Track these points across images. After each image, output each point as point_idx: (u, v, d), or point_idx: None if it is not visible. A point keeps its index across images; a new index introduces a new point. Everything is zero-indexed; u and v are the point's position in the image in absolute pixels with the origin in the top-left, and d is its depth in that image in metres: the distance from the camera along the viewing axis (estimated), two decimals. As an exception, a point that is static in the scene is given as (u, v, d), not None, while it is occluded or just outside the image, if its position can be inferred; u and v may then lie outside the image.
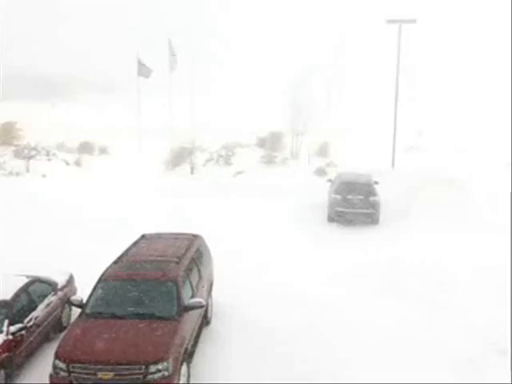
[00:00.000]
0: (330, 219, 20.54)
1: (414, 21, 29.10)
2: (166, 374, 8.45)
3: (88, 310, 9.68)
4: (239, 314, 12.21)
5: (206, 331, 11.37)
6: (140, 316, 9.42)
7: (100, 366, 8.38)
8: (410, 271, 15.02)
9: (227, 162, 31.41)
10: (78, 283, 12.43)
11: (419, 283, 14.19)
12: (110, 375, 8.36)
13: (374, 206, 20.12)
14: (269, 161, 31.21)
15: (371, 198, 20.12)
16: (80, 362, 8.46)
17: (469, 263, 15.58)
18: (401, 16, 29.77)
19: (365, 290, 13.74)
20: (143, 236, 12.35)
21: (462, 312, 12.47)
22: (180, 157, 31.06)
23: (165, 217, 19.00)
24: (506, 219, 20.16)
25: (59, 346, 8.85)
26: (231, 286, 13.41)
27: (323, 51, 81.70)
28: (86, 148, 35.66)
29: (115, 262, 10.70)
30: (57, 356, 8.65)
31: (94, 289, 10.04)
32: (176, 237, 12.37)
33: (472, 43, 79.34)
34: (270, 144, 33.95)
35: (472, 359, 10.41)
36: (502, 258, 15.88)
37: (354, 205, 20.03)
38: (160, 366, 8.44)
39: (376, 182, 21.30)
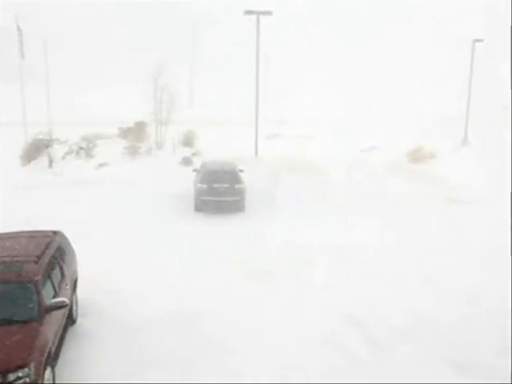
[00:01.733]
0: (197, 208, 20.63)
1: (270, 13, 30.14)
2: (28, 380, 7.92)
3: None
4: (106, 312, 11.86)
5: (71, 331, 10.90)
6: (-5, 322, 8.75)
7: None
8: (275, 254, 15.64)
9: (89, 155, 30.10)
10: None
11: (284, 265, 14.85)
12: (-37, 389, 7.67)
13: (240, 193, 20.56)
14: (133, 152, 30.50)
15: (236, 186, 20.53)
16: None
17: (328, 244, 16.62)
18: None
19: (235, 276, 14.01)
20: (-5, 236, 11.43)
21: (324, 290, 13.25)
22: (36, 150, 29.11)
23: (17, 214, 17.78)
24: (364, 201, 21.98)
25: None
26: (101, 284, 12.99)
27: (184, 42, 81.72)
28: None
29: (-37, 267, 9.78)
30: None
31: None
32: (33, 235, 11.59)
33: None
34: (133, 135, 33.13)
35: (334, 331, 11.17)
36: (361, 237, 17.33)
37: (220, 193, 20.30)
38: (20, 373, 7.88)
39: (241, 170, 21.78)
